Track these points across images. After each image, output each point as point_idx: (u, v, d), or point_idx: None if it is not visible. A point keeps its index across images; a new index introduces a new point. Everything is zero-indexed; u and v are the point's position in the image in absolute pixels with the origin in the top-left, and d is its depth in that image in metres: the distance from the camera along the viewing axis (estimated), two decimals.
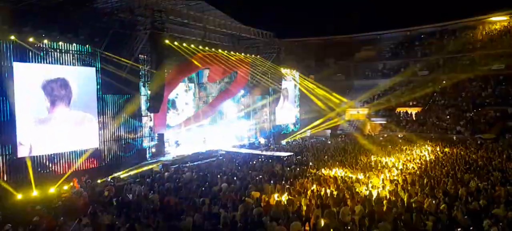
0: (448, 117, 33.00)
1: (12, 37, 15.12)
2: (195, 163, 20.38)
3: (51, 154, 16.67)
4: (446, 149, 22.50)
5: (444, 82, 38.38)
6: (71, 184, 14.79)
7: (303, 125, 38.05)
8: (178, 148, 23.83)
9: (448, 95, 36.26)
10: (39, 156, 16.26)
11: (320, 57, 46.21)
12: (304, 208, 10.85)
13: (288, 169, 17.11)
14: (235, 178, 14.72)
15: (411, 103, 37.63)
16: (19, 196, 13.63)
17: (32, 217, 10.33)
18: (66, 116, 17.18)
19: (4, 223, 9.95)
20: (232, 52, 26.99)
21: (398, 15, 43.70)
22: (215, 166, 19.05)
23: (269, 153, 23.24)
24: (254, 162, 19.60)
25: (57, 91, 16.90)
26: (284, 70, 33.33)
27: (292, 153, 22.59)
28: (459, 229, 8.38)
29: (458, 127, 30.81)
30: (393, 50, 45.25)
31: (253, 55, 29.15)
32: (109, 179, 15.76)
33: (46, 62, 16.48)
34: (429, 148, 23.42)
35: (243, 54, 28.22)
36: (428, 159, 19.43)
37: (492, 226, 8.41)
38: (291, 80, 36.05)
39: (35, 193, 14.21)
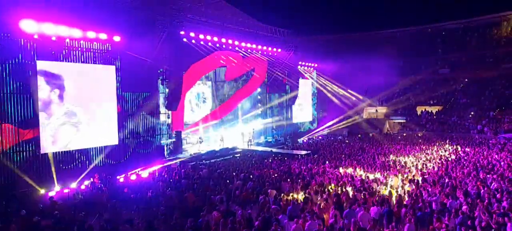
0: (470, 116, 32.18)
1: (36, 36, 15.53)
2: (212, 161, 20.51)
3: (72, 150, 17.10)
4: (468, 149, 21.95)
5: (466, 80, 37.43)
6: (91, 179, 15.10)
7: (320, 123, 37.80)
8: (201, 144, 23.96)
9: (470, 94, 35.36)
10: (61, 152, 16.70)
11: (338, 54, 45.66)
12: (321, 207, 10.76)
13: (305, 167, 17.01)
14: (251, 176, 14.73)
15: (431, 102, 36.88)
16: (42, 191, 14.00)
17: (54, 211, 10.61)
18: (86, 113, 17.59)
19: (30, 216, 10.26)
20: (249, 50, 27.00)
21: (419, 11, 42.81)
22: (231, 164, 19.12)
23: (285, 151, 23.17)
24: (271, 160, 19.58)
25: (79, 89, 17.34)
26: (301, 68, 33.15)
27: (309, 152, 22.46)
28: None
29: (480, 126, 30.01)
30: (413, 48, 44.33)
31: (270, 53, 29.11)
32: (128, 175, 16.02)
33: (68, 61, 16.87)
34: (450, 148, 22.87)
35: (260, 52, 28.21)
36: (449, 159, 18.97)
37: None
38: (309, 78, 35.85)
39: (57, 188, 14.56)
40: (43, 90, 15.89)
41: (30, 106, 15.59)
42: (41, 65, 15.85)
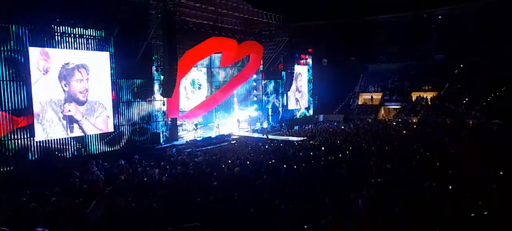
0: (464, 101, 32.37)
1: (27, 22, 15.32)
2: (208, 148, 20.55)
3: (68, 138, 17.05)
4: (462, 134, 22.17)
5: (461, 66, 37.54)
6: (88, 167, 15.06)
7: (316, 109, 37.88)
8: (197, 131, 23.98)
9: (465, 79, 35.50)
10: (57, 139, 16.64)
11: (334, 40, 45.55)
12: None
13: (301, 153, 17.09)
14: (247, 162, 14.78)
15: (426, 88, 37.02)
16: (37, 179, 13.94)
17: (51, 199, 10.62)
18: (83, 100, 17.51)
19: (27, 204, 10.26)
20: (245, 36, 26.82)
21: None
22: (228, 150, 19.15)
23: (281, 138, 23.23)
24: (267, 147, 19.64)
25: (76, 76, 17.24)
26: (296, 55, 33.03)
27: (304, 138, 22.54)
28: (473, 214, 8.27)
29: (474, 112, 30.23)
30: (408, 33, 44.24)
31: (265, 39, 28.92)
32: (123, 162, 16.00)
33: (61, 47, 16.69)
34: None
35: (255, 38, 28.03)
36: (442, 143, 19.14)
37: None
38: (304, 65, 35.78)
39: (53, 175, 14.51)
40: (36, 77, 15.75)
41: (23, 94, 15.48)
42: (34, 51, 15.68)
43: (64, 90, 16.90)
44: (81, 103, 17.63)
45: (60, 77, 16.72)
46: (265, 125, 29.23)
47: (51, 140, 16.45)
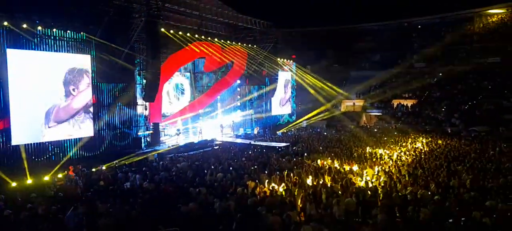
0: (443, 109, 33.14)
1: (5, 23, 14.95)
2: (190, 153, 20.37)
3: (46, 142, 16.62)
4: (440, 141, 22.62)
5: (440, 74, 38.48)
6: (66, 172, 14.73)
7: (299, 115, 38.10)
8: (179, 137, 23.74)
9: (444, 88, 36.39)
10: (34, 143, 16.20)
11: (318, 47, 45.99)
12: (299, 199, 10.87)
13: (283, 159, 17.12)
14: (230, 168, 14.71)
15: (406, 95, 37.75)
16: (13, 184, 13.55)
17: (27, 205, 10.30)
18: (61, 103, 17.13)
19: (2, 211, 9.93)
20: (228, 42, 26.81)
21: (395, 6, 43.45)
22: (210, 155, 19.02)
23: (264, 144, 23.24)
24: (250, 152, 19.60)
25: (84, 80, 17.45)
26: (280, 61, 33.22)
27: (287, 144, 22.61)
28: (451, 220, 8.40)
29: (452, 119, 30.97)
30: (390, 42, 45.18)
31: (249, 45, 28.99)
32: (103, 168, 15.70)
33: (40, 49, 16.31)
34: (424, 140, 23.52)
35: (239, 43, 28.06)
36: (422, 150, 19.51)
37: (484, 217, 8.46)
38: (288, 71, 36.00)
39: (29, 181, 14.14)
40: (14, 79, 15.32)
41: (0, 96, 15.03)
42: (12, 53, 15.26)
43: (72, 95, 17.00)
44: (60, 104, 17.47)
45: (65, 82, 16.92)
46: (255, 131, 29.12)
47: (28, 144, 15.99)
